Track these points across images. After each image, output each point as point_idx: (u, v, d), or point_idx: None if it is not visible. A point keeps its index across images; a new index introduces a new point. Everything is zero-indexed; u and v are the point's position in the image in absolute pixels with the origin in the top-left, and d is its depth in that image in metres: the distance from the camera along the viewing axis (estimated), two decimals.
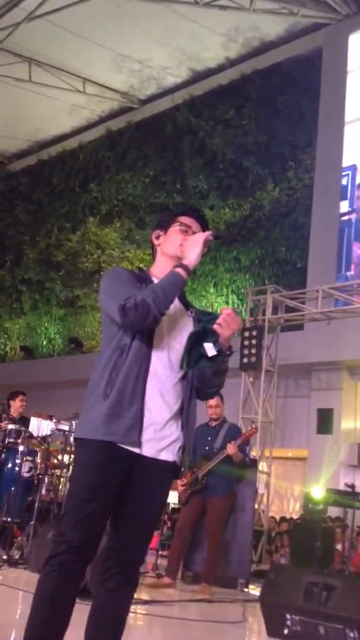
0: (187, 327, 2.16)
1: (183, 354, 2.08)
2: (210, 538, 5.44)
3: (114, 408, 1.99)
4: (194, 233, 2.17)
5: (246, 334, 8.97)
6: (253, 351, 8.85)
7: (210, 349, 2.06)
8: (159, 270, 2.17)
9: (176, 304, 2.16)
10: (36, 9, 11.86)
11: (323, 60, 12.10)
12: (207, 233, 2.13)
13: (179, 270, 2.08)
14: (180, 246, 2.15)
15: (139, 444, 2.00)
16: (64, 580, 1.93)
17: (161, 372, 2.07)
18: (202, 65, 14.06)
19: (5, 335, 17.34)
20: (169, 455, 2.07)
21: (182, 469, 2.13)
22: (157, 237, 2.26)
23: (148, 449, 2.03)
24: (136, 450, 2.00)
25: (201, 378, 2.16)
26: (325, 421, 10.18)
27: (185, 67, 14.16)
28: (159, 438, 2.05)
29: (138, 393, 2.02)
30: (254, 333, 8.89)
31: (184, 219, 2.22)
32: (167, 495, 2.18)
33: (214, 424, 5.65)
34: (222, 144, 13.69)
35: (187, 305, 2.23)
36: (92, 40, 12.97)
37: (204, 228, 2.22)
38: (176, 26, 12.48)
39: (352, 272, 10.55)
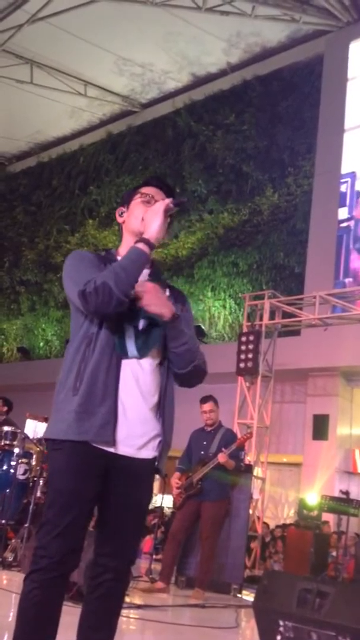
0: None
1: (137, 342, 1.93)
2: (204, 543, 5.43)
3: (84, 404, 1.84)
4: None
5: (243, 338, 8.98)
6: (250, 356, 8.86)
7: (141, 324, 1.93)
8: (126, 249, 2.00)
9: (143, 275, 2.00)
10: (39, 11, 11.89)
11: (324, 67, 12.15)
12: (167, 201, 1.97)
13: (140, 245, 1.93)
14: (143, 221, 1.99)
15: (113, 443, 1.86)
16: (48, 597, 1.82)
17: (135, 361, 1.92)
18: (204, 70, 14.11)
19: (3, 336, 17.32)
20: (148, 452, 1.94)
21: (157, 464, 1.97)
22: (121, 214, 2.10)
23: (126, 448, 1.89)
24: (112, 449, 1.87)
25: (170, 359, 1.99)
26: (320, 427, 10.18)
27: (186, 72, 14.20)
28: (138, 435, 1.90)
29: (110, 386, 1.87)
30: (251, 338, 8.90)
31: (145, 189, 2.06)
32: (151, 492, 2.04)
33: (209, 429, 5.65)
34: (222, 149, 13.73)
35: (162, 285, 2.06)
36: (94, 43, 13.01)
37: (171, 197, 2.03)
38: (178, 31, 12.53)
39: (351, 279, 10.57)
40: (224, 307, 12.76)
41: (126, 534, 1.95)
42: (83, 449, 1.84)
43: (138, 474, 1.93)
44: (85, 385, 1.85)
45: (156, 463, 1.96)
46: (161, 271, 2.14)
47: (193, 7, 11.62)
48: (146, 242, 1.93)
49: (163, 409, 1.97)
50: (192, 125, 14.42)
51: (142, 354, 1.92)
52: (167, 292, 2.05)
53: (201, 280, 13.22)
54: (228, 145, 13.65)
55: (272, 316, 9.35)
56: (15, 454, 5.77)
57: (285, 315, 9.44)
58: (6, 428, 5.93)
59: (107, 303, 1.85)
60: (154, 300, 1.91)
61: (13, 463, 5.76)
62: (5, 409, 6.46)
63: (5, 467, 5.82)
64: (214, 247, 13.32)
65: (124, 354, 1.90)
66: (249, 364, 8.83)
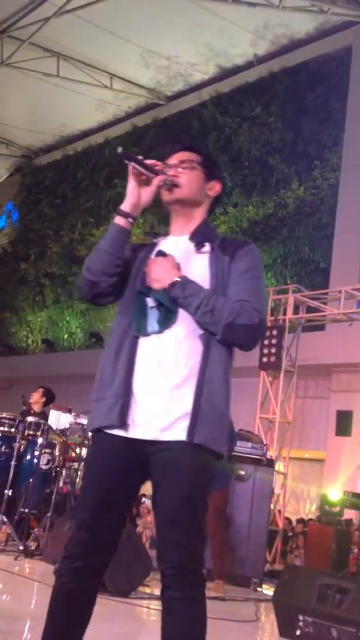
0: (196, 268, 1.85)
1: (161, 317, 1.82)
2: (212, 536, 5.43)
3: (96, 392, 1.81)
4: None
5: (266, 333, 8.94)
6: (273, 351, 8.81)
7: (151, 302, 1.84)
8: (172, 226, 1.97)
9: (179, 244, 1.90)
10: (66, 3, 11.92)
11: (352, 59, 11.98)
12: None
13: (115, 218, 1.89)
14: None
15: (123, 426, 1.73)
16: (76, 585, 1.77)
17: (155, 336, 1.78)
18: (230, 62, 14.00)
19: (28, 328, 17.51)
20: (176, 434, 1.71)
21: (191, 438, 1.70)
22: None
23: (147, 431, 1.73)
24: (129, 434, 1.73)
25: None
26: (344, 423, 10.09)
27: (212, 64, 14.11)
28: (159, 415, 1.72)
29: (120, 367, 1.77)
30: (275, 332, 8.85)
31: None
32: (190, 485, 1.72)
33: None
34: (248, 142, 13.63)
35: (201, 240, 1.91)
36: (120, 36, 13.00)
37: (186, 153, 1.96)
38: (205, 23, 12.45)
39: None
40: None
41: (168, 532, 1.72)
42: (103, 438, 1.77)
43: (171, 459, 1.71)
44: (98, 373, 1.83)
45: (188, 438, 1.70)
46: (206, 227, 1.96)
47: None
48: (118, 212, 1.89)
49: (201, 382, 1.75)
50: (218, 117, 14.34)
51: (162, 327, 1.78)
52: (207, 247, 1.89)
53: None
54: (254, 138, 13.55)
55: (296, 311, 9.28)
56: (38, 444, 5.83)
57: (310, 309, 9.36)
58: (30, 418, 5.99)
59: (83, 287, 1.89)
60: (152, 275, 1.83)
61: (36, 453, 5.83)
62: (43, 399, 6.52)
63: (28, 457, 5.88)
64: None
65: (142, 332, 1.79)
66: (272, 359, 8.78)
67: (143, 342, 1.79)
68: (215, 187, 1.99)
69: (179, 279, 1.80)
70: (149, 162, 1.88)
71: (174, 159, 1.96)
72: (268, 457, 6.85)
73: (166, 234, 2.00)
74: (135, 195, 1.89)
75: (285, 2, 11.50)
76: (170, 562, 1.71)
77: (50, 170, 18.27)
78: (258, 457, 6.21)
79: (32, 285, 17.67)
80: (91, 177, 16.95)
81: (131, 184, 1.89)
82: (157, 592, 4.75)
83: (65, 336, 16.38)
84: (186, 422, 1.71)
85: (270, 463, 6.69)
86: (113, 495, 1.77)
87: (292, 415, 9.22)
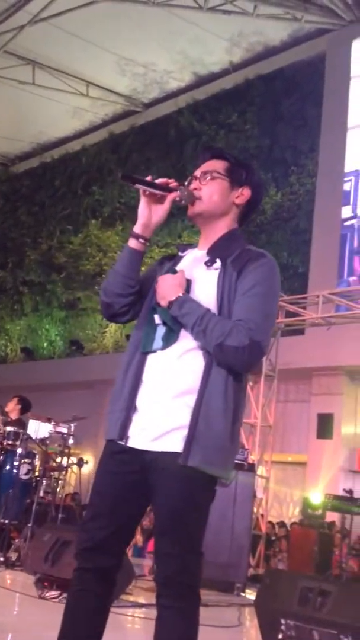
0: (205, 286, 1.81)
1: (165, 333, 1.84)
2: None
3: (110, 404, 1.85)
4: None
5: None
6: None
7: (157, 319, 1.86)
8: (200, 238, 1.98)
9: (197, 259, 1.88)
10: (40, 12, 11.90)
11: (326, 66, 12.13)
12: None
13: (128, 240, 1.90)
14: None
15: (121, 438, 1.77)
16: (78, 587, 1.77)
17: (162, 352, 1.79)
18: (206, 70, 14.11)
19: (6, 337, 17.36)
20: (168, 445, 1.71)
21: (185, 459, 1.68)
22: None
23: (140, 439, 1.75)
24: (126, 443, 1.76)
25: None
26: (325, 426, 10.17)
27: (188, 72, 14.20)
28: (154, 426, 1.73)
29: (128, 383, 1.81)
30: None
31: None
32: (181, 498, 1.70)
33: None
34: (225, 148, 13.71)
35: (215, 256, 1.85)
36: (96, 43, 13.02)
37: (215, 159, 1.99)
38: (180, 31, 12.53)
39: (355, 278, 10.56)
40: None
41: (160, 543, 1.74)
42: (110, 446, 1.82)
43: (163, 471, 1.71)
44: (114, 387, 1.87)
45: (182, 460, 1.68)
46: (227, 240, 1.89)
47: (195, 6, 11.61)
48: (130, 234, 1.91)
49: (200, 401, 1.72)
50: (195, 124, 14.42)
51: (164, 345, 1.78)
52: (218, 264, 1.83)
53: None
54: (230, 145, 13.63)
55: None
56: (18, 454, 5.78)
57: (289, 314, 9.42)
58: (9, 428, 5.93)
59: (101, 308, 1.95)
60: (159, 292, 1.83)
61: (16, 463, 5.77)
62: (19, 407, 6.45)
63: (8, 467, 5.82)
64: None
65: (147, 348, 1.80)
66: None
67: (150, 358, 1.81)
68: (243, 194, 1.95)
69: (178, 297, 1.79)
70: (159, 181, 1.87)
71: (198, 171, 1.97)
72: (250, 461, 6.86)
73: (195, 245, 1.98)
74: (145, 215, 1.89)
75: (260, 10, 11.62)
76: (162, 571, 1.72)
77: (27, 178, 18.19)
78: (239, 461, 6.21)
79: (10, 293, 17.53)
80: (68, 185, 16.90)
81: (141, 205, 1.88)
82: (141, 600, 4.75)
83: (45, 344, 16.27)
84: (178, 436, 1.70)
85: (252, 467, 6.71)
86: (114, 500, 1.77)
87: (274, 419, 9.24)
